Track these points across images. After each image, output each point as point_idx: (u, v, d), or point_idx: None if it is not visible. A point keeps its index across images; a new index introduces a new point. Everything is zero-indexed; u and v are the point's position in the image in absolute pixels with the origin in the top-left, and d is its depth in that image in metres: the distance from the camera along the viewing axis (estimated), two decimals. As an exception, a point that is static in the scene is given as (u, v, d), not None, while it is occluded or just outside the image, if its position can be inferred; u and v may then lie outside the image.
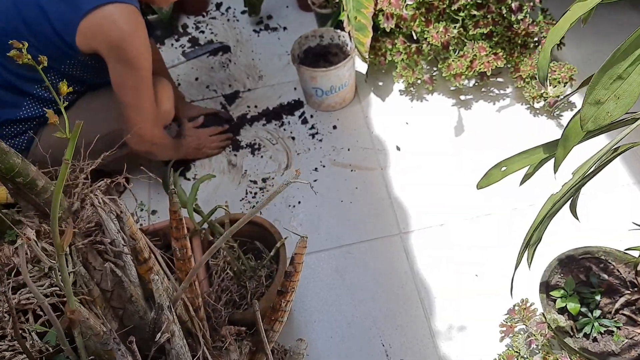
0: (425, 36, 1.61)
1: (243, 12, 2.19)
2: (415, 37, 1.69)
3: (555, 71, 1.60)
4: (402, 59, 1.70)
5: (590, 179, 0.76)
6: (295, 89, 1.89)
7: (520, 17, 1.58)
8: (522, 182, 0.83)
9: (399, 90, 1.83)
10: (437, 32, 1.58)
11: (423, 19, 1.60)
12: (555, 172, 0.73)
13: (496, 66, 1.61)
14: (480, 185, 0.81)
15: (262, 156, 1.72)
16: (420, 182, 1.58)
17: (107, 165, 1.17)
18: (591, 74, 0.68)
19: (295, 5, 2.20)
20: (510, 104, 1.73)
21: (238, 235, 1.29)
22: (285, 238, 1.22)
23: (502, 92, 1.76)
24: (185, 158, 1.69)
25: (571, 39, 1.79)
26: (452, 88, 1.75)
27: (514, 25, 1.60)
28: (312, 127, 1.77)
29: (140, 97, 1.34)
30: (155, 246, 1.24)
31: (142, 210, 1.26)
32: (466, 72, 1.62)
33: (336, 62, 1.74)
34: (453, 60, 1.62)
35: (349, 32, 1.67)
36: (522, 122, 1.68)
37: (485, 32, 1.58)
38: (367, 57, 1.64)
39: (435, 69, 1.81)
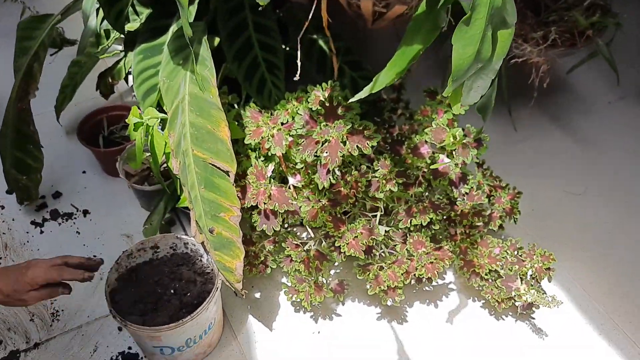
0: (337, 243, 1.03)
1: (10, 192, 1.41)
2: (311, 233, 1.11)
3: (524, 261, 1.12)
4: (296, 270, 1.09)
5: None
6: (120, 329, 1.17)
7: (464, 190, 1.08)
8: None
9: (293, 303, 1.21)
10: (356, 236, 1.01)
11: (329, 218, 1.02)
12: None
13: (443, 267, 1.08)
14: None
15: None
16: None
17: None
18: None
19: (97, 169, 1.49)
20: (459, 303, 1.22)
21: None
22: None
23: (440, 282, 1.25)
24: None
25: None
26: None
27: (458, 203, 1.10)
28: (164, 408, 1.06)
29: None
30: None
31: None
32: (402, 282, 1.07)
33: (188, 290, 1.07)
34: (382, 270, 1.06)
35: (202, 244, 1.03)
36: (482, 329, 1.17)
37: (422, 223, 1.05)
38: (241, 289, 1.00)
39: (342, 267, 1.24)
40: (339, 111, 0.97)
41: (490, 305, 1.19)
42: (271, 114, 1.09)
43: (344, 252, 1.01)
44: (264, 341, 1.16)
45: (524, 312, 1.17)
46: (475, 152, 1.02)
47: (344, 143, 0.94)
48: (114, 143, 1.44)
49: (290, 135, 1.04)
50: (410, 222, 1.04)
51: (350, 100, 0.77)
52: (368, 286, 1.07)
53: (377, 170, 1.01)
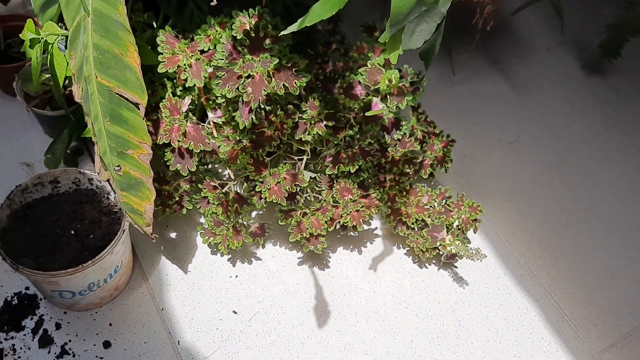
0: (257, 187, 0.96)
1: None
2: (231, 174, 1.03)
3: (451, 212, 1.10)
4: (213, 212, 1.02)
5: None
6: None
7: (397, 136, 1.03)
8: None
9: (210, 245, 1.15)
10: (278, 181, 0.94)
11: (250, 160, 0.94)
12: None
13: (369, 216, 1.04)
14: None
15: None
16: None
17: None
18: None
19: (-6, 86, 1.33)
20: (383, 250, 1.20)
21: None
22: None
23: (366, 228, 1.21)
24: None
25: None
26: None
27: (389, 149, 1.04)
28: (64, 353, 0.99)
29: None
30: None
31: None
32: (325, 230, 1.02)
33: (91, 231, 0.98)
34: (305, 217, 1.01)
35: (108, 182, 0.93)
36: (405, 276, 1.16)
37: (350, 170, 0.99)
38: (151, 232, 0.93)
39: (265, 209, 1.18)
40: (266, 43, 0.87)
41: (414, 253, 1.17)
42: (190, 40, 0.98)
43: (265, 198, 0.94)
44: (178, 284, 1.10)
45: (447, 262, 1.17)
46: (411, 98, 0.96)
47: (270, 80, 0.86)
48: (12, 58, 1.27)
49: (210, 66, 0.93)
50: (338, 169, 0.99)
51: (281, 34, 0.68)
52: (290, 232, 1.02)
53: (305, 111, 0.93)
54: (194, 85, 0.92)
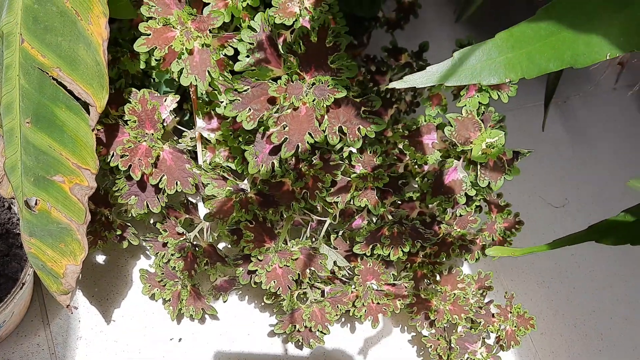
0: (252, 266, 0.63)
1: None
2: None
3: (494, 317, 0.82)
4: (170, 266, 0.69)
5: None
6: None
7: (462, 211, 0.73)
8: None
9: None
10: (287, 264, 0.62)
11: (251, 223, 0.61)
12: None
13: (392, 313, 0.75)
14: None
15: None
16: None
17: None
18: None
19: None
20: (382, 330, 0.91)
21: None
22: None
23: (365, 295, 0.92)
24: None
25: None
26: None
27: (442, 226, 0.74)
28: None
29: None
30: None
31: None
32: (328, 328, 0.72)
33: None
34: (304, 304, 0.70)
35: (14, 200, 0.58)
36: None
37: (391, 256, 0.68)
38: (69, 304, 0.59)
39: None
40: (331, 59, 0.52)
41: (422, 344, 0.89)
42: (196, 11, 0.61)
43: (260, 282, 0.62)
44: (93, 339, 0.77)
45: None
46: (510, 176, 0.65)
47: (321, 118, 0.52)
48: None
49: (224, 54, 0.58)
50: (372, 250, 0.67)
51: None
52: (277, 319, 0.71)
53: (353, 167, 0.60)
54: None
